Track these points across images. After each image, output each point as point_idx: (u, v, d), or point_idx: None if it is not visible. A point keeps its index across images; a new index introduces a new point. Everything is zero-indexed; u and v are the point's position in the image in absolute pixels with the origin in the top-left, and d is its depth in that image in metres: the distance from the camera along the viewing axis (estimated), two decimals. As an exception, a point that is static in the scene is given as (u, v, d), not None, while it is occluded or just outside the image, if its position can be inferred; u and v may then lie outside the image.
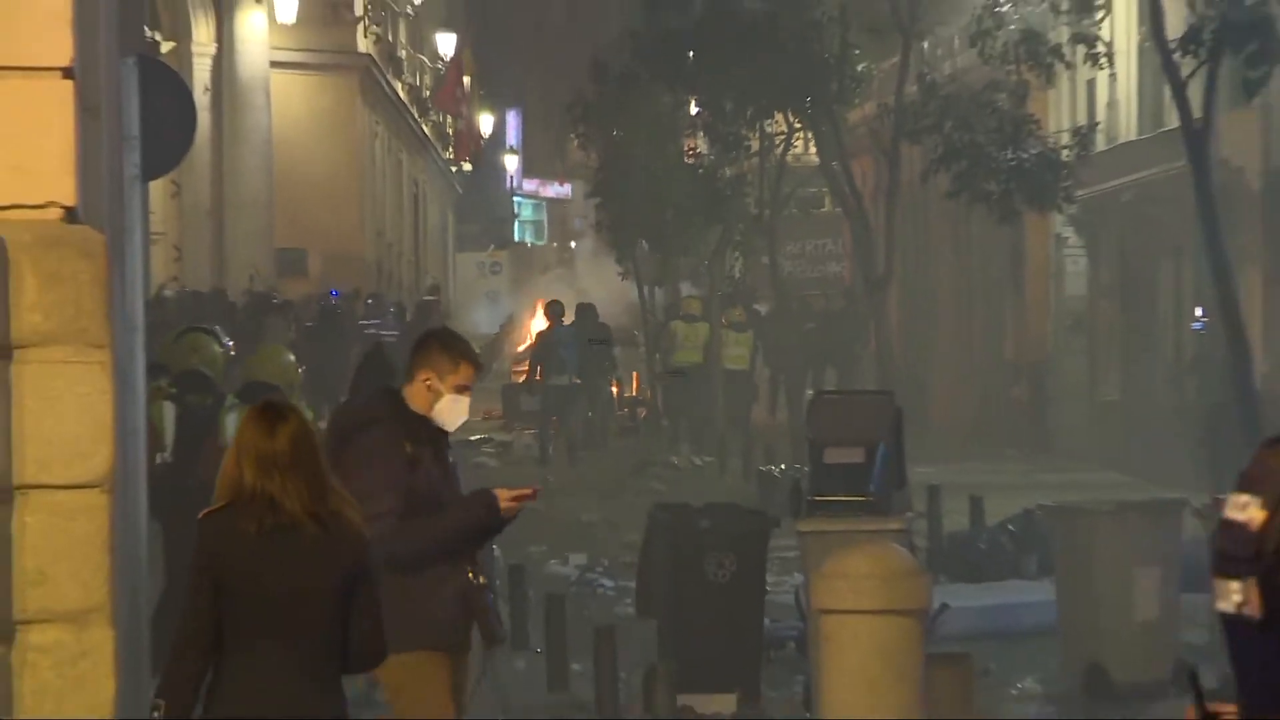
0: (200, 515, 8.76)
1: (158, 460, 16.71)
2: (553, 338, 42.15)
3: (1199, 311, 32.55)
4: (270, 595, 8.47)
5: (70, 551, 10.21)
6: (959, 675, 15.36)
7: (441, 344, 11.12)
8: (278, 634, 8.50)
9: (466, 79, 72.51)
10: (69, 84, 11.39)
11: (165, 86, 18.06)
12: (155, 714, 8.42)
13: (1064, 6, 31.90)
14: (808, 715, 14.03)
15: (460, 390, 10.96)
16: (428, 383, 11.03)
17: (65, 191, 11.40)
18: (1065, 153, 34.86)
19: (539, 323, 45.47)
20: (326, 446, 9.99)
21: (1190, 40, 26.83)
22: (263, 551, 8.41)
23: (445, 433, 11.07)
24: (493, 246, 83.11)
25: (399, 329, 41.41)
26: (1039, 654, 18.38)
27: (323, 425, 14.89)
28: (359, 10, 54.81)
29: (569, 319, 43.43)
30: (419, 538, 10.68)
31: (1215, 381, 30.40)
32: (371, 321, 41.18)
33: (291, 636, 8.50)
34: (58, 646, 9.99)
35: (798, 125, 40.26)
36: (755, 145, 41.62)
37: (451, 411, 11.11)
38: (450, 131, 72.49)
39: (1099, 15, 32.07)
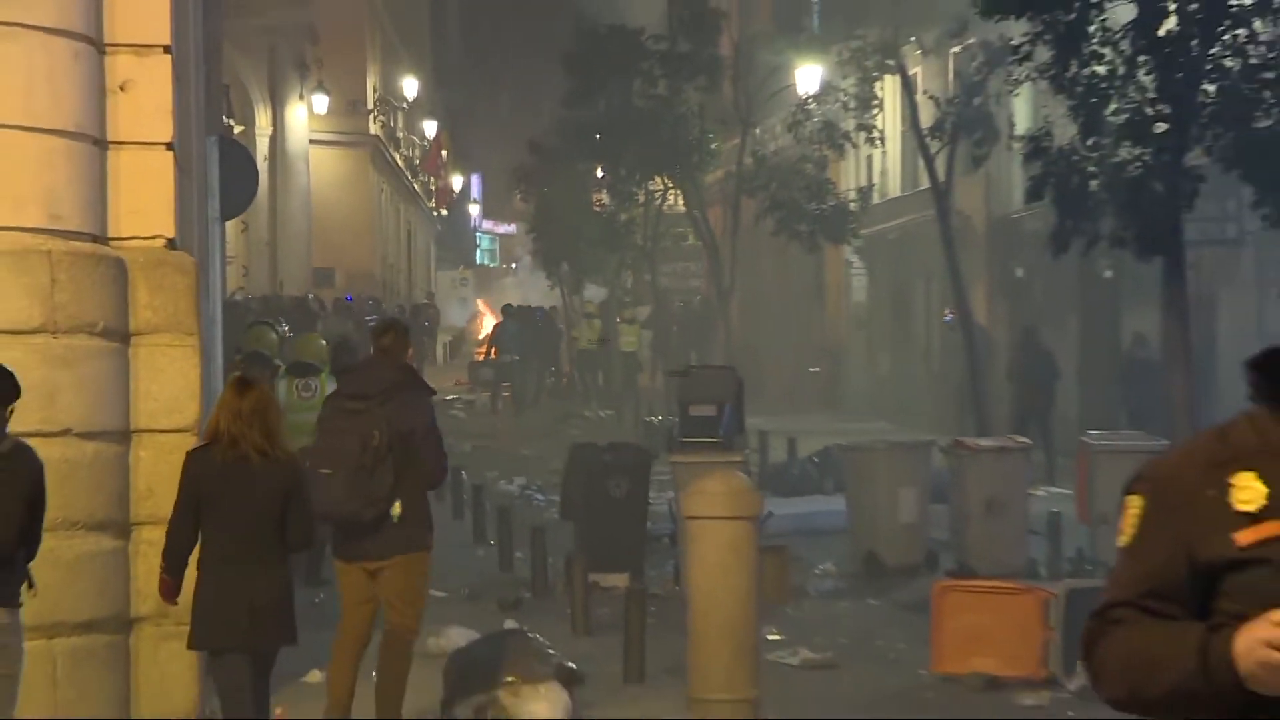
0: (187, 451, 9.41)
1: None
2: (504, 328, 42.67)
3: (947, 311, 32.62)
4: (231, 506, 8.97)
5: (169, 475, 10.10)
6: (780, 560, 15.43)
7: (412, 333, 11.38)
8: (238, 531, 8.99)
9: (444, 152, 72.57)
10: (170, 154, 11.32)
11: (237, 156, 17.99)
12: (161, 570, 9.15)
13: (851, 105, 31.96)
14: (677, 587, 13.97)
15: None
16: (411, 358, 11.24)
17: (167, 227, 11.35)
18: (852, 204, 35.02)
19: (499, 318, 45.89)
20: (364, 398, 10.46)
21: (936, 129, 26.99)
22: (225, 476, 8.98)
23: None
24: (462, 266, 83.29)
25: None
26: (834, 545, 18.43)
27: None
28: (370, 105, 54.70)
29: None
30: None
31: (955, 361, 30.58)
32: (370, 318, 41.05)
33: (247, 532, 8.99)
34: (160, 540, 9.90)
35: (670, 185, 40.25)
36: (641, 198, 41.66)
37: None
38: (433, 188, 72.43)
39: (874, 111, 32.14)
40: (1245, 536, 3.36)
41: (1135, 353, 27.64)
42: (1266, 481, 3.39)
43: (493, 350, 43.50)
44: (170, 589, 9.20)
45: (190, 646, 9.36)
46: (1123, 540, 3.52)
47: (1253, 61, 16.52)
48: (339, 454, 10.29)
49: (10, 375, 8.03)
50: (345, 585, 10.74)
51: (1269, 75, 16.41)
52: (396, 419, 10.40)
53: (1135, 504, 3.52)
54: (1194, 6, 16.40)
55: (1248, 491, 3.40)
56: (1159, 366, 25.84)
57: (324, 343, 18.98)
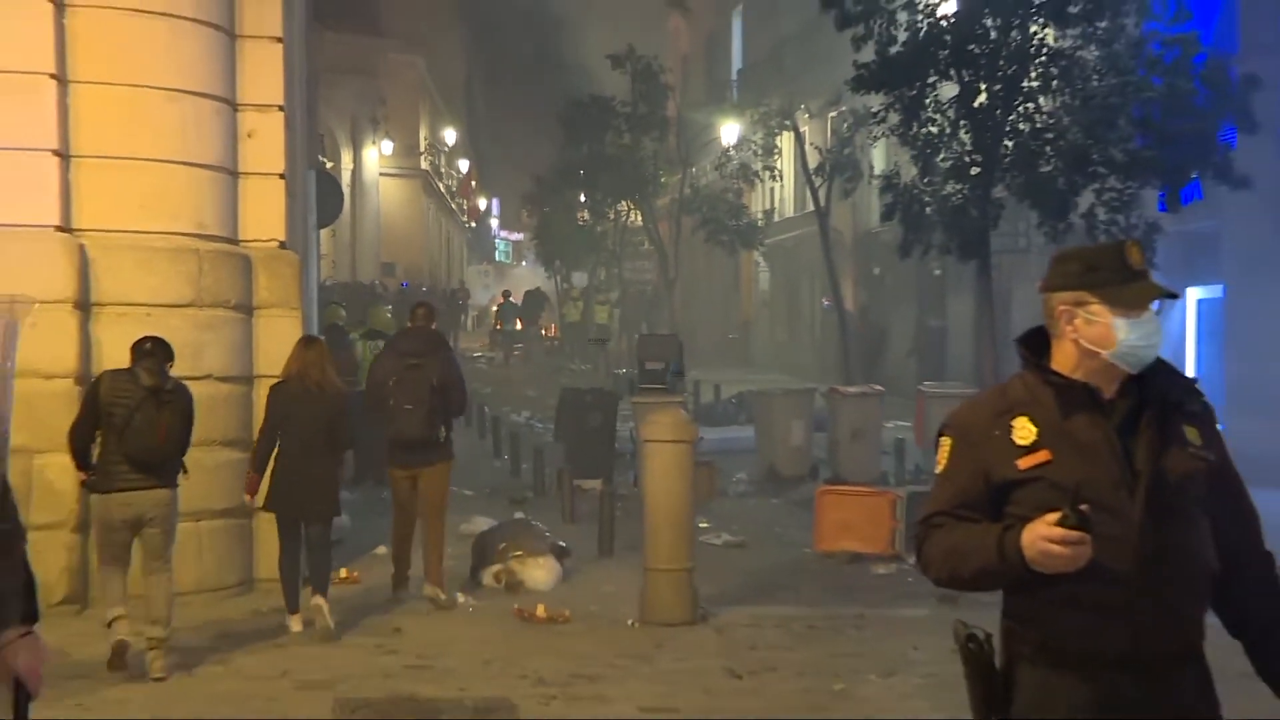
0: (270, 386, 9.74)
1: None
2: (504, 306, 43.17)
3: (825, 299, 32.61)
4: (298, 421, 9.37)
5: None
6: (709, 471, 15.45)
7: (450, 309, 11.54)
8: (301, 439, 9.37)
9: (473, 182, 72.31)
10: (282, 181, 11.35)
11: (328, 184, 17.98)
12: (250, 469, 9.58)
13: (759, 152, 31.96)
14: (636, 489, 13.96)
15: None
16: (435, 327, 11.46)
17: (279, 233, 11.38)
18: (760, 222, 34.90)
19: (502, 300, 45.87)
20: (418, 355, 10.58)
21: (818, 170, 27.00)
22: (296, 403, 9.43)
23: None
24: (485, 262, 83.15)
25: (444, 302, 41.48)
26: (745, 461, 18.39)
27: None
28: (421, 149, 54.51)
29: (517, 298, 44.87)
30: None
31: (831, 333, 30.61)
32: (424, 289, 41.05)
33: (308, 440, 9.37)
34: (275, 454, 9.98)
35: (632, 207, 40.13)
36: (612, 216, 41.55)
37: None
38: (465, 207, 72.05)
39: (775, 156, 32.08)
40: (1024, 462, 3.44)
41: (928, 323, 28.18)
42: (1035, 423, 3.47)
43: (498, 321, 43.88)
44: (254, 484, 9.55)
45: (263, 508, 9.72)
46: (939, 469, 3.63)
47: (1038, 126, 16.58)
48: (417, 395, 10.34)
49: (167, 344, 8.47)
50: (396, 487, 10.76)
51: (1049, 136, 16.47)
52: (441, 371, 10.49)
53: (946, 443, 3.61)
54: (998, 87, 16.46)
55: (1023, 431, 3.47)
56: (946, 334, 26.56)
57: (390, 316, 18.93)
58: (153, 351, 8.30)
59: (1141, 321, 3.46)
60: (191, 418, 8.49)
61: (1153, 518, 3.39)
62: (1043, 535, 3.24)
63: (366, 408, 10.92)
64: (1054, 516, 3.24)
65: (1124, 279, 3.47)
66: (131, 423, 8.11)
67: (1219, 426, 3.61)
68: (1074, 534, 3.20)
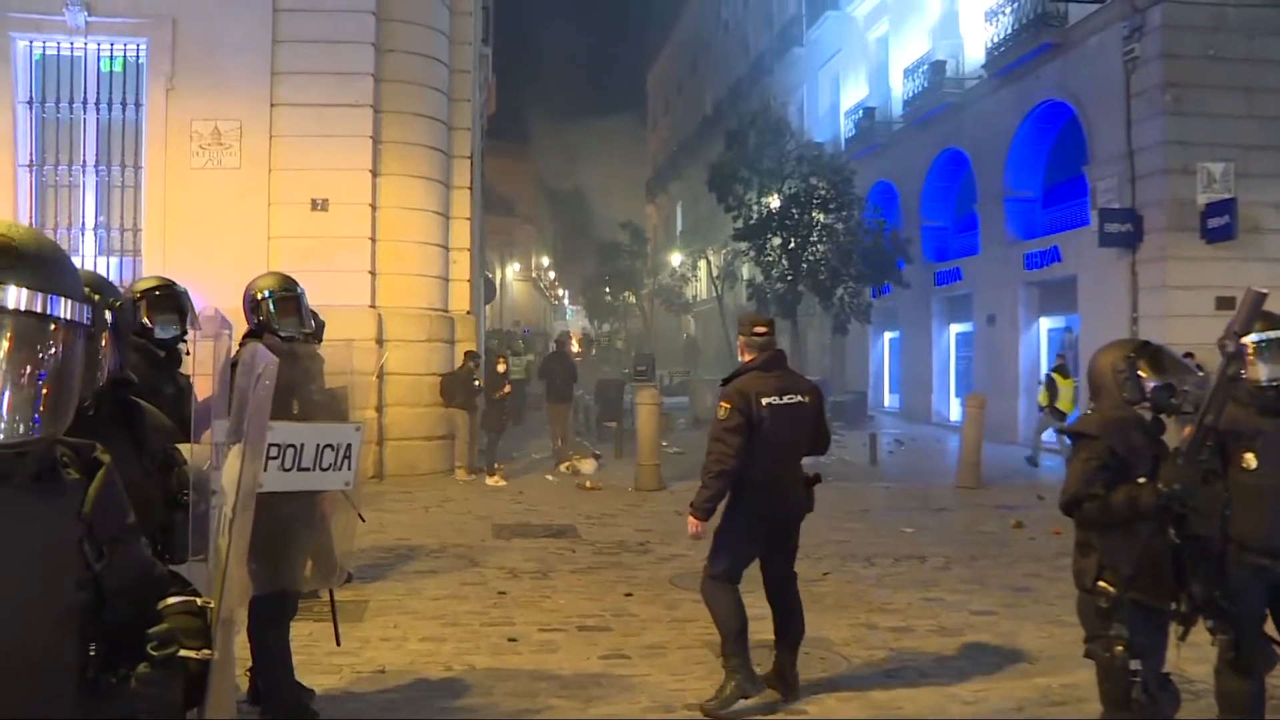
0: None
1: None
2: (581, 340, 42.03)
3: (685, 332, 32.33)
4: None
5: (463, 387, 10.01)
6: (668, 418, 14.71)
7: (549, 339, 11.58)
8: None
9: (556, 281, 71.30)
10: (469, 283, 11.17)
11: (488, 284, 17.70)
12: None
13: (690, 268, 31.84)
14: (633, 426, 13.75)
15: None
16: (567, 351, 11.68)
17: (466, 306, 11.18)
18: (691, 300, 34.72)
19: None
20: (562, 360, 11.08)
21: (718, 276, 26.68)
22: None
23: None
24: (561, 319, 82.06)
25: (541, 339, 40.81)
26: (683, 413, 17.94)
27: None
28: (532, 268, 54.10)
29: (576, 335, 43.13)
30: None
31: (726, 355, 30.34)
32: (526, 332, 40.32)
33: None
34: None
35: (630, 294, 39.93)
36: (621, 298, 41.10)
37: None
38: (551, 293, 70.99)
39: (697, 269, 32.02)
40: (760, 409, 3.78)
41: (690, 345, 27.60)
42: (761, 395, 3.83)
43: (577, 344, 42.88)
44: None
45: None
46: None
47: (817, 258, 16.64)
48: (563, 375, 11.14)
49: (478, 351, 9.23)
50: (551, 414, 11.33)
51: (822, 263, 16.55)
52: (569, 366, 11.33)
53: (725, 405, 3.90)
54: (799, 239, 16.57)
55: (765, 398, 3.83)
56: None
57: (523, 344, 18.58)
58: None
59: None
60: (443, 386, 9.24)
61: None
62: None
63: (542, 377, 11.38)
64: None
65: None
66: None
67: (828, 398, 3.90)
68: None
